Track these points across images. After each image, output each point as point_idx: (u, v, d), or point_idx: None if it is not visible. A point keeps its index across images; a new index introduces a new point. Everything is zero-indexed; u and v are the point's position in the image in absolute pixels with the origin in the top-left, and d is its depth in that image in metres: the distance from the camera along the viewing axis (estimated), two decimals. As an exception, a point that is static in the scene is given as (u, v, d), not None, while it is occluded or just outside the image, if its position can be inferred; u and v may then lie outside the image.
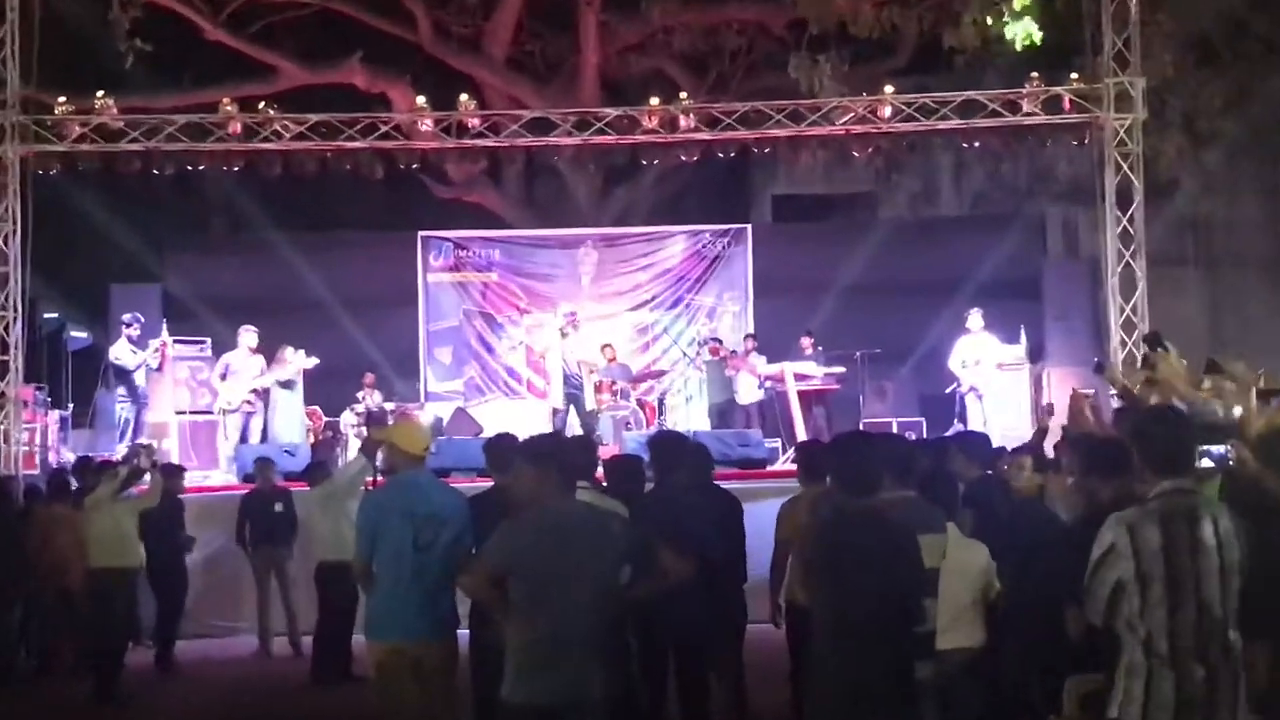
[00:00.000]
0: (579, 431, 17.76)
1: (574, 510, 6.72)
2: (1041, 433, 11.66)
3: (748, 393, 19.58)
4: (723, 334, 21.26)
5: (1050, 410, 14.62)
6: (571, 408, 18.18)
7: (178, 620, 14.19)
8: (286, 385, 18.83)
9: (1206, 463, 9.14)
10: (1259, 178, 23.70)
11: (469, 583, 6.84)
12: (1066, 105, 18.62)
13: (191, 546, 14.52)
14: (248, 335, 19.11)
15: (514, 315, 22.25)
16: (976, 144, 19.94)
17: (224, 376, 18.94)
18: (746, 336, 20.54)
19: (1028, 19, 18.96)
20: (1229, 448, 8.07)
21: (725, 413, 19.57)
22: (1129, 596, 5.76)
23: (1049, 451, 11.00)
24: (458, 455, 15.90)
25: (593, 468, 8.75)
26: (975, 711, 7.44)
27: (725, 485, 10.62)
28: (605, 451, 14.95)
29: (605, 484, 8.81)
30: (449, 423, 18.27)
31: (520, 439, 8.28)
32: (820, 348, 19.79)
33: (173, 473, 14.39)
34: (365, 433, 17.31)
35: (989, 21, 20.01)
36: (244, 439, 18.72)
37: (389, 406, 19.30)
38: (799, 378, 19.32)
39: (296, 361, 18.76)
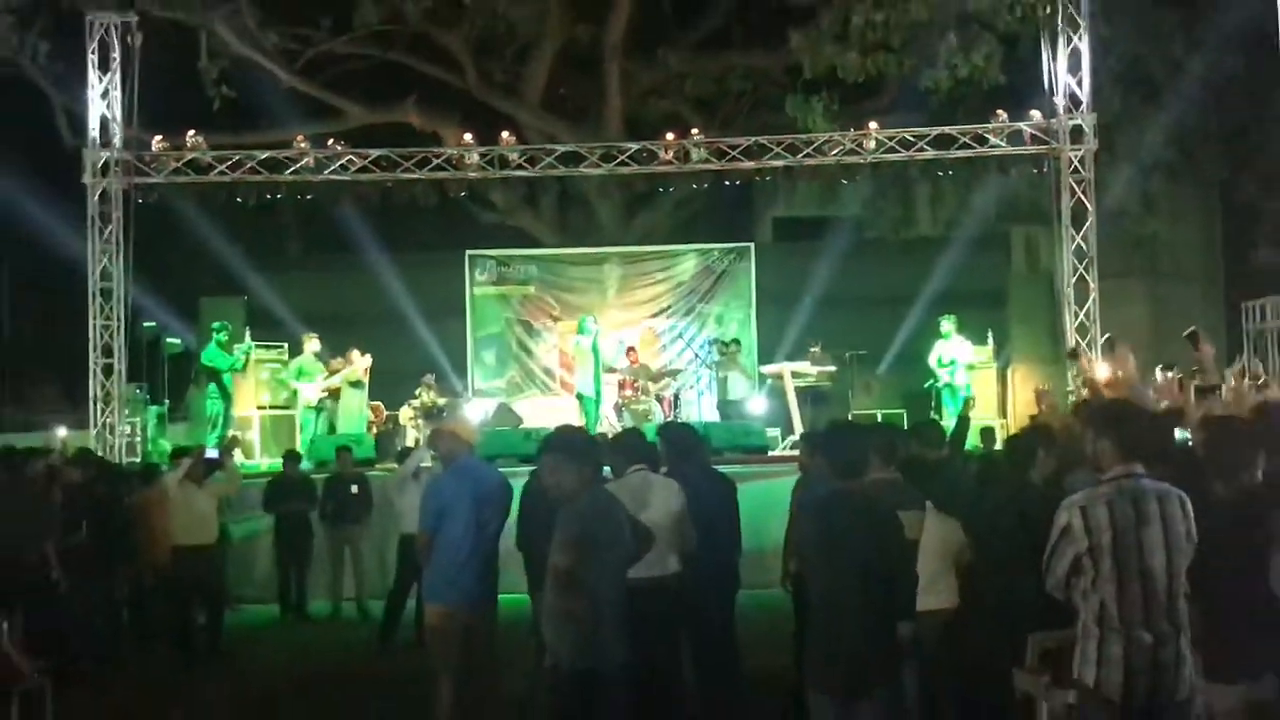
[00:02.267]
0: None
1: (604, 497, 6.74)
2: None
3: (736, 389, 19.77)
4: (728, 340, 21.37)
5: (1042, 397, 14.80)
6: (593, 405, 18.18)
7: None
8: (356, 385, 18.93)
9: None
10: (1195, 201, 23.68)
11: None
12: (1027, 139, 18.71)
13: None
14: (312, 341, 19.22)
15: (548, 323, 22.29)
16: (949, 173, 19.93)
17: (301, 375, 19.06)
18: (733, 341, 20.64)
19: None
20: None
21: (728, 406, 19.63)
22: (1084, 571, 5.82)
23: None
24: (502, 444, 15.88)
25: (652, 453, 8.70)
26: (949, 665, 7.45)
27: (732, 469, 10.67)
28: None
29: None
30: (493, 416, 18.31)
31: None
32: (827, 353, 19.88)
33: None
34: (423, 425, 17.44)
35: (959, 66, 20.10)
36: (317, 430, 18.85)
37: (441, 401, 19.36)
38: (795, 374, 19.37)
39: (360, 362, 18.86)
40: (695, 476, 8.52)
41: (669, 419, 18.32)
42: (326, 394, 18.86)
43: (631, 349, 20.25)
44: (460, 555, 7.45)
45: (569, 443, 6.87)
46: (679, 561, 7.99)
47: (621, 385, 19.35)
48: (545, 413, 19.79)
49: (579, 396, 18.88)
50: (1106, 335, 12.88)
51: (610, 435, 12.60)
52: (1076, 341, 16.74)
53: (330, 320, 20.40)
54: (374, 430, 18.63)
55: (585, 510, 6.51)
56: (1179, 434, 8.16)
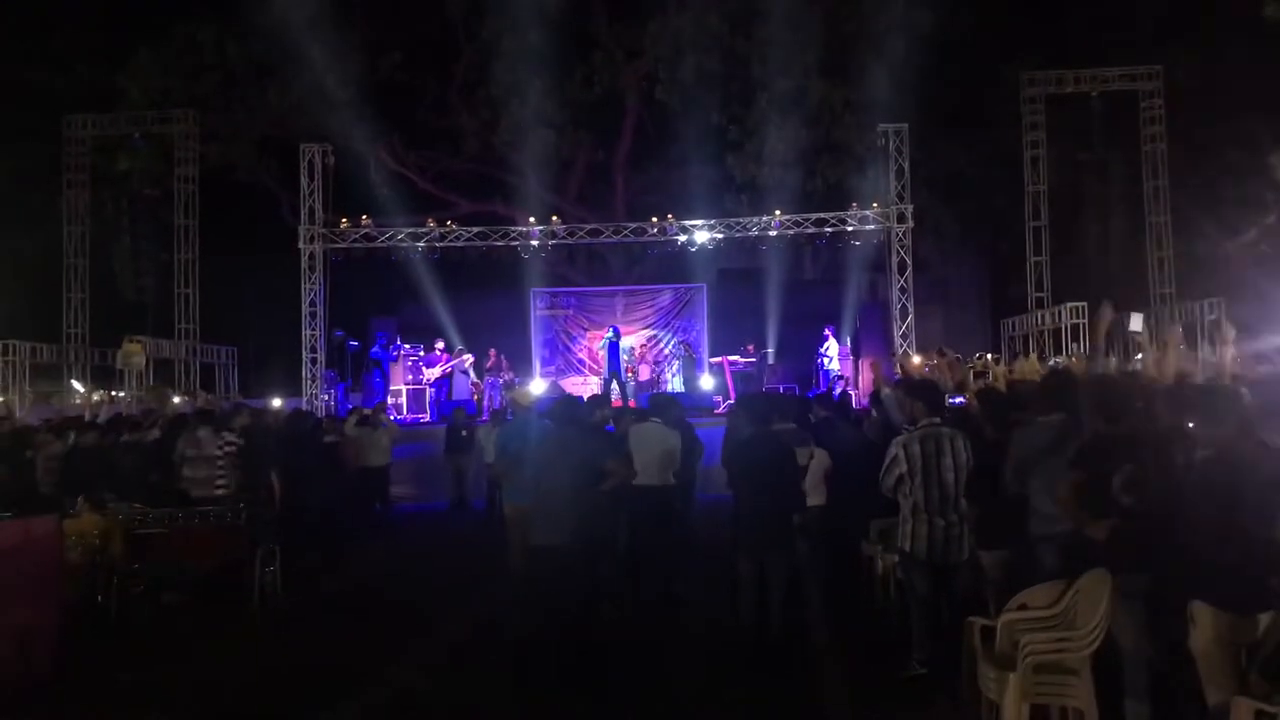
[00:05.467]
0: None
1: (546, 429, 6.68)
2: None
3: (694, 373, 19.89)
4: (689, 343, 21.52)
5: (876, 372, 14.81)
6: (614, 381, 18.29)
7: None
8: (464, 372, 19.07)
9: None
10: (971, 256, 23.82)
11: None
12: (871, 220, 18.75)
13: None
14: (438, 344, 19.38)
15: (580, 333, 22.37)
16: (824, 240, 19.92)
17: (429, 365, 19.20)
18: (681, 342, 20.83)
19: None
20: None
21: (690, 382, 19.77)
22: (905, 480, 6.00)
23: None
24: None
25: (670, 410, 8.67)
26: (823, 538, 7.43)
27: (695, 419, 10.64)
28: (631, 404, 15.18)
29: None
30: (547, 388, 18.42)
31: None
32: (757, 350, 20.01)
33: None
34: (504, 395, 17.59)
35: (829, 176, 20.27)
36: (440, 398, 19.00)
37: (515, 378, 19.54)
38: (732, 363, 19.55)
39: (466, 357, 19.02)
40: (676, 424, 8.48)
41: (657, 391, 18.51)
42: (447, 376, 19.04)
43: (632, 348, 20.39)
44: (519, 475, 7.08)
45: (571, 406, 6.86)
46: (673, 477, 8.10)
47: (628, 370, 19.50)
48: (579, 387, 19.95)
49: (611, 375, 18.58)
50: (940, 347, 12.85)
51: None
52: (941, 349, 16.24)
53: (447, 331, 20.54)
54: (475, 397, 18.81)
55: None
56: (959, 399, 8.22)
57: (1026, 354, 18.16)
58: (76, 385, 18.98)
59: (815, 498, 7.28)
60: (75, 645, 6.83)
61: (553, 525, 6.07)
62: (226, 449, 9.17)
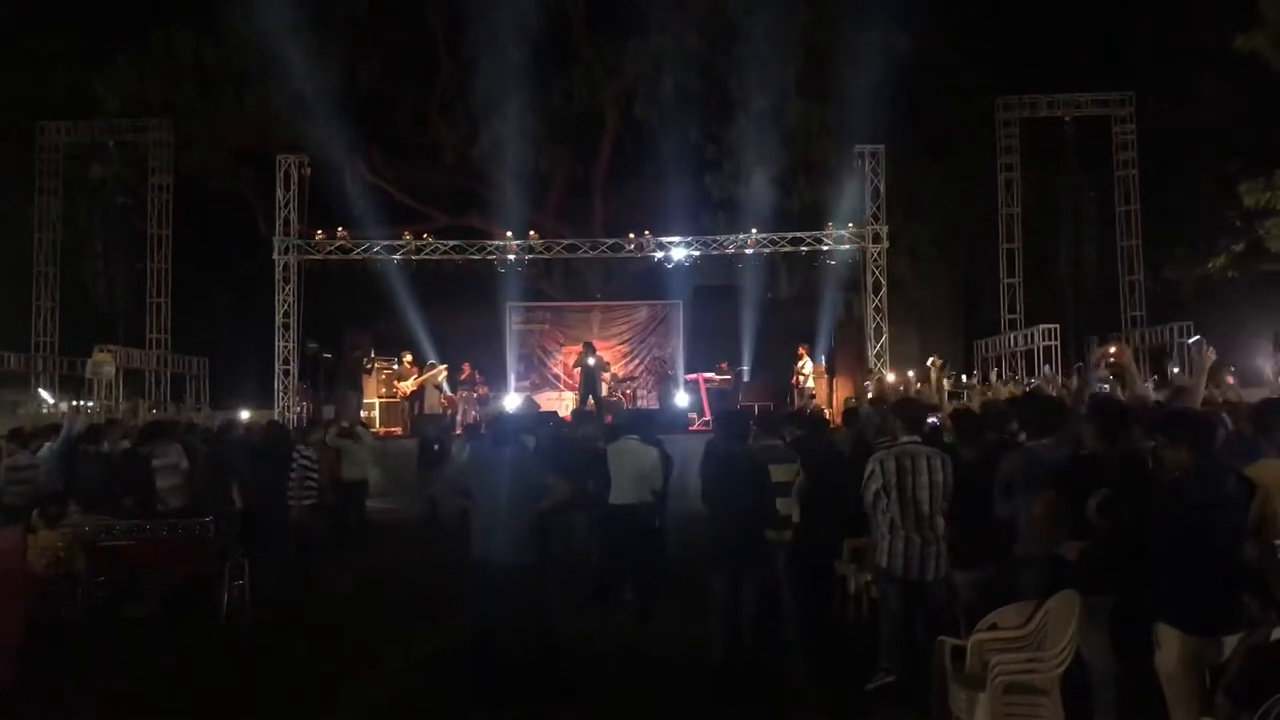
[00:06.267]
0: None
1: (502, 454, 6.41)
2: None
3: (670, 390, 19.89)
4: (664, 361, 21.49)
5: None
6: (590, 396, 18.24)
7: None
8: (438, 386, 18.95)
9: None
10: (945, 277, 23.95)
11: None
12: (847, 240, 18.82)
13: None
14: (406, 356, 19.23)
15: (556, 348, 22.30)
16: (802, 259, 19.98)
17: (400, 378, 19.07)
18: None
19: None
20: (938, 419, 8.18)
21: (666, 398, 19.75)
22: (880, 497, 6.02)
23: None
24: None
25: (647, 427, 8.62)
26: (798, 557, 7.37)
27: (669, 437, 10.50)
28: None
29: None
30: (521, 403, 18.36)
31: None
32: (731, 368, 20.01)
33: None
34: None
35: (805, 195, 20.38)
36: (412, 412, 18.86)
37: (489, 393, 19.46)
38: (707, 380, 19.56)
39: (440, 372, 18.90)
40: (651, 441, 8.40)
41: (629, 408, 18.46)
42: (418, 389, 18.92)
43: (608, 364, 20.35)
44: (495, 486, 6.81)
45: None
46: (651, 495, 8.09)
47: (604, 384, 19.41)
48: (552, 403, 19.90)
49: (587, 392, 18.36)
50: (931, 358, 12.80)
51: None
52: (933, 361, 15.91)
53: (422, 344, 20.38)
54: (447, 412, 18.69)
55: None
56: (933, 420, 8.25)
57: (1000, 375, 18.31)
58: (44, 394, 18.73)
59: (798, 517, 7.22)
60: (38, 658, 6.73)
61: (488, 543, 6.11)
62: (182, 463, 9.09)
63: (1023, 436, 6.04)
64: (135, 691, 6.51)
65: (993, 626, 5.03)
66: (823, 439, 8.62)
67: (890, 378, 15.45)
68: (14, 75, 21.57)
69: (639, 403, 20.03)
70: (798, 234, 19.10)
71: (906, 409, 6.40)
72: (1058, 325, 18.13)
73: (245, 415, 16.92)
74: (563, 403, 19.72)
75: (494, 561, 6.03)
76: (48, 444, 9.91)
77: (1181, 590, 4.10)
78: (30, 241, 19.86)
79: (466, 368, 19.42)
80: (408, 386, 18.90)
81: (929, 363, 12.48)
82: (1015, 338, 19.26)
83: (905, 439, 6.09)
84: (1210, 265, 20.99)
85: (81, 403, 17.93)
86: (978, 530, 5.64)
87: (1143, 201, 19.74)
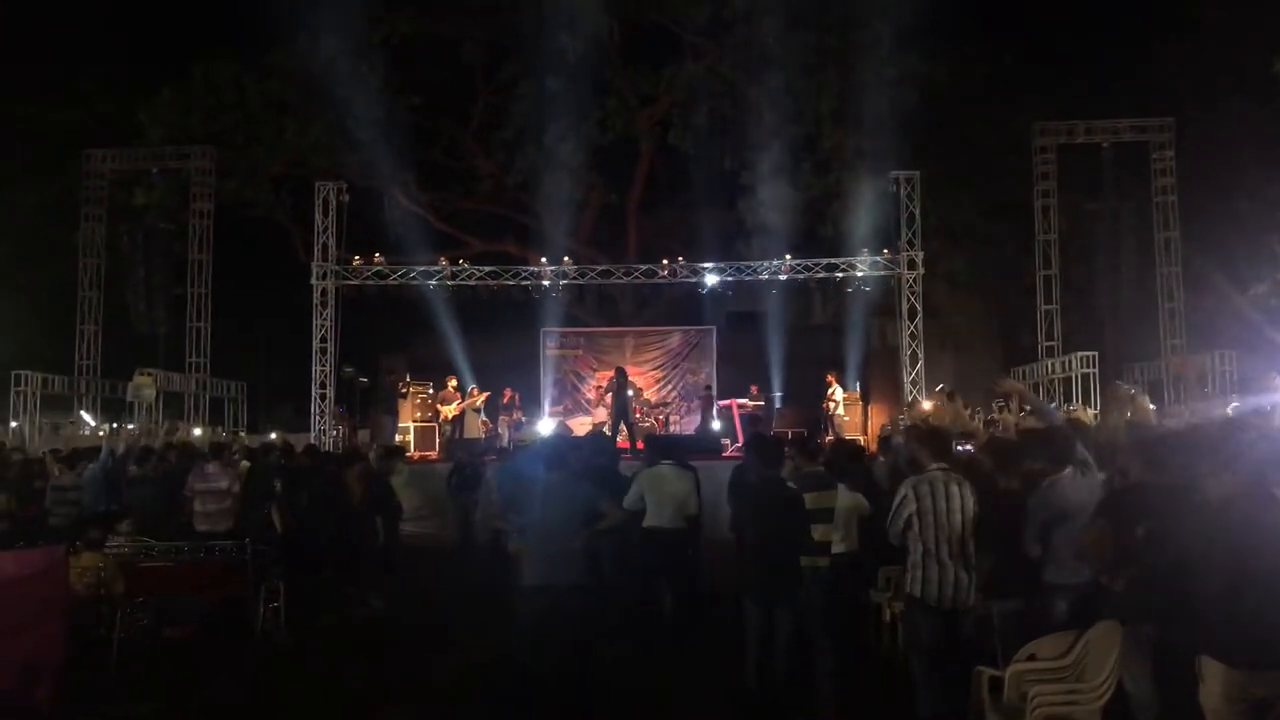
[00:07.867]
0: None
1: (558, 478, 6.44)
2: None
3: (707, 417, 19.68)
4: (697, 387, 21.43)
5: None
6: (621, 421, 18.21)
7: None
8: (477, 410, 19.02)
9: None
10: (981, 304, 23.77)
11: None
12: (881, 267, 18.81)
13: None
14: (451, 381, 19.31)
15: (590, 373, 22.33)
16: (835, 285, 19.94)
17: (444, 402, 19.16)
18: (708, 388, 20.66)
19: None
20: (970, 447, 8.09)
21: (707, 423, 19.69)
22: (913, 524, 5.98)
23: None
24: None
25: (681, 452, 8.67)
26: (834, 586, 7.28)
27: (699, 462, 10.47)
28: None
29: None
30: (556, 427, 18.33)
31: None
32: (761, 393, 19.97)
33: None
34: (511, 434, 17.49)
35: (837, 220, 20.34)
36: (451, 436, 18.92)
37: (523, 418, 19.49)
38: (740, 405, 19.50)
39: (480, 397, 18.98)
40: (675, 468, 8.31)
41: (659, 433, 18.43)
42: (459, 413, 19.00)
43: (640, 390, 20.35)
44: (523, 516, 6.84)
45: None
46: (684, 520, 8.06)
47: (634, 411, 19.41)
48: (585, 428, 19.86)
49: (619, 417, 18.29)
50: (940, 386, 12.76)
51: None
52: (951, 390, 15.79)
53: (459, 369, 20.44)
54: (485, 435, 18.76)
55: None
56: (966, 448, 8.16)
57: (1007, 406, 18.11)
58: (86, 417, 19.03)
59: (846, 542, 7.22)
60: (76, 678, 6.79)
61: (547, 566, 6.07)
62: (234, 486, 9.18)
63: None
64: (168, 713, 6.57)
65: (1031, 657, 4.96)
66: (861, 466, 8.56)
67: (927, 405, 15.31)
68: (62, 107, 22.10)
69: (670, 428, 19.97)
70: (832, 260, 19.10)
71: (933, 438, 6.35)
72: (1096, 353, 17.92)
73: (272, 436, 17.07)
74: (595, 427, 19.70)
75: (548, 586, 6.00)
76: (90, 465, 10.07)
77: (1225, 622, 4.02)
78: (75, 267, 20.24)
79: (508, 392, 19.50)
80: (450, 411, 18.98)
81: (938, 390, 12.39)
82: (1053, 365, 19.06)
83: (934, 466, 6.05)
84: (1251, 292, 20.69)
85: (122, 425, 18.19)
86: (1014, 560, 5.58)
87: (1182, 228, 19.52)
